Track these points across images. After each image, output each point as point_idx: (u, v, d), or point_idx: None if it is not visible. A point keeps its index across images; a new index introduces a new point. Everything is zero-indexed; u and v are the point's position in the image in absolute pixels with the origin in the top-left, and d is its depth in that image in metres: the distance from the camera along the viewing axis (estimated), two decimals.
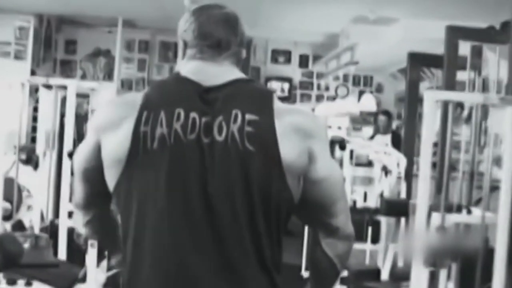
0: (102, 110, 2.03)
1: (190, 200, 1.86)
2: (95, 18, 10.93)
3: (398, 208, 5.71)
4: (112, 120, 1.94)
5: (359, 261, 7.04)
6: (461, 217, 4.43)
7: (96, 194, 2.08)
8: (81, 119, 5.94)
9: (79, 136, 5.65)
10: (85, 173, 2.04)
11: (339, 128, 12.43)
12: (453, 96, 4.32)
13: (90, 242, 4.18)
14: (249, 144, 1.86)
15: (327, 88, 12.87)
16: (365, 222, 6.68)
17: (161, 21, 10.73)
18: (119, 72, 11.43)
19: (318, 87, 12.87)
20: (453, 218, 4.37)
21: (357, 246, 6.68)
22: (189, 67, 2.01)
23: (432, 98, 4.10)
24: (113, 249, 2.40)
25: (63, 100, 5.33)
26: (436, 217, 4.28)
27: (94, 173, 2.00)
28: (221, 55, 2.02)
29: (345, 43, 9.88)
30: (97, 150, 1.97)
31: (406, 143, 7.63)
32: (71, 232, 4.85)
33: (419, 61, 7.77)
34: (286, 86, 12.61)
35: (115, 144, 1.91)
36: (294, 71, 12.75)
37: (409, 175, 6.91)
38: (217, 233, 1.86)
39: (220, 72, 2.00)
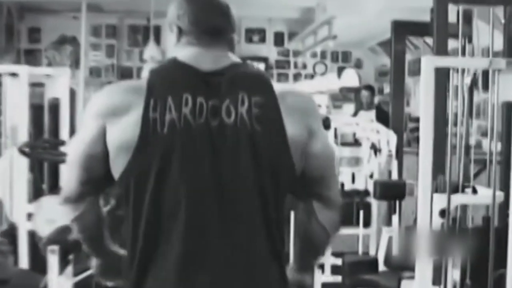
0: (105, 96, 2.05)
1: (203, 180, 1.95)
2: (58, 3, 10.46)
3: (394, 191, 5.28)
4: (118, 106, 1.98)
5: (351, 246, 6.66)
6: (467, 198, 3.98)
7: (91, 184, 2.08)
8: (40, 110, 5.41)
9: (37, 129, 5.14)
10: (87, 159, 2.03)
11: (319, 106, 12.08)
12: (454, 62, 3.87)
13: (50, 248, 3.74)
14: (258, 125, 1.98)
15: (304, 66, 12.55)
16: (355, 205, 6.27)
17: (128, 3, 10.39)
18: (86, 60, 10.98)
19: (295, 66, 12.55)
20: (458, 200, 3.91)
21: (349, 231, 6.31)
22: (186, 53, 2.09)
23: (430, 65, 3.64)
24: (97, 249, 2.31)
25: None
26: (438, 199, 3.83)
27: (96, 159, 2.02)
28: (217, 41, 2.11)
29: (321, 17, 9.48)
30: (102, 136, 1.99)
31: (394, 118, 7.18)
32: (34, 235, 4.38)
33: (404, 30, 7.32)
34: (262, 66, 12.20)
35: (123, 130, 1.96)
36: (269, 50, 12.40)
37: (400, 153, 6.47)
38: (230, 207, 1.97)
39: (217, 57, 2.09)
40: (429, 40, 8.55)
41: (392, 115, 7.31)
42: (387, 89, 11.55)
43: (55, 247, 3.77)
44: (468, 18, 5.49)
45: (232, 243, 1.97)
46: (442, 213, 3.83)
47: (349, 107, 11.61)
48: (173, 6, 2.15)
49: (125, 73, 11.64)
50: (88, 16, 10.42)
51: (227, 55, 2.12)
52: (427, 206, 3.76)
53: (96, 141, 2.00)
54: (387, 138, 6.10)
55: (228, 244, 1.96)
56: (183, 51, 2.10)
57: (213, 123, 1.97)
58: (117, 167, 1.99)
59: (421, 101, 3.73)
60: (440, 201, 3.81)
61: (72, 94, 7.16)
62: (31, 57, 11.35)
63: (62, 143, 4.69)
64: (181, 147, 1.95)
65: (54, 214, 3.82)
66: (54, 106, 5.09)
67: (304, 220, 2.21)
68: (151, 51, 9.08)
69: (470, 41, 5.28)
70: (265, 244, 2.02)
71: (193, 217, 1.95)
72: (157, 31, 10.13)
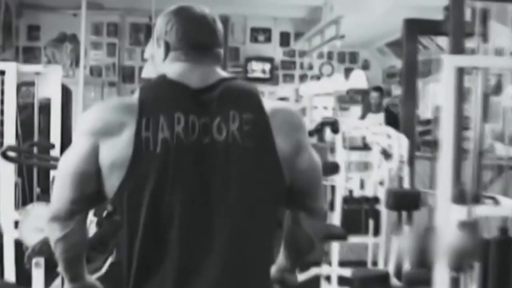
0: (97, 114, 2.05)
1: (196, 196, 1.99)
2: (58, 0, 10.39)
3: (408, 201, 4.97)
4: (111, 125, 2.00)
5: (358, 254, 6.38)
6: (489, 210, 3.68)
7: (82, 202, 2.08)
8: (31, 110, 5.12)
9: (25, 130, 4.84)
10: (79, 177, 2.04)
11: (325, 108, 11.82)
12: (477, 61, 3.57)
13: (34, 260, 3.45)
14: (249, 141, 2.03)
15: (310, 67, 12.45)
16: (363, 213, 5.98)
17: (130, 1, 10.41)
18: (86, 58, 10.71)
19: (301, 66, 12.43)
20: (479, 212, 3.62)
21: (357, 239, 6.04)
22: (175, 69, 2.11)
23: (451, 64, 3.36)
24: (75, 273, 2.26)
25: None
26: (459, 211, 3.54)
27: (88, 177, 2.03)
28: (205, 56, 2.14)
29: (329, 17, 9.39)
30: (95, 153, 2.01)
31: (405, 122, 6.89)
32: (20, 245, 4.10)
33: (416, 29, 7.02)
34: (267, 66, 12.12)
35: (116, 148, 1.98)
36: (275, 50, 12.25)
37: (412, 159, 6.17)
38: (223, 221, 2.00)
39: (206, 74, 2.11)
40: (441, 41, 8.37)
41: (403, 118, 7.01)
42: (395, 91, 11.32)
43: (40, 259, 3.52)
44: (483, 17, 5.27)
45: (226, 256, 2.00)
46: (462, 225, 3.55)
47: (357, 110, 11.37)
48: (160, 21, 2.17)
49: (127, 73, 11.51)
50: (88, 13, 10.20)
51: (215, 70, 2.15)
52: (446, 218, 3.49)
53: (89, 159, 2.02)
54: (399, 143, 5.79)
55: (221, 257, 1.99)
56: (172, 68, 2.12)
57: (205, 141, 2.01)
58: (111, 184, 2.01)
59: (443, 102, 3.47)
60: (461, 213, 3.52)
61: (68, 93, 6.88)
62: (30, 55, 11.25)
63: (52, 146, 4.41)
64: (174, 165, 1.98)
65: (42, 222, 3.54)
66: (45, 107, 4.79)
67: (290, 228, 2.30)
68: (151, 49, 8.80)
69: (485, 40, 5.06)
70: (257, 257, 2.08)
71: (187, 232, 1.99)
72: None
